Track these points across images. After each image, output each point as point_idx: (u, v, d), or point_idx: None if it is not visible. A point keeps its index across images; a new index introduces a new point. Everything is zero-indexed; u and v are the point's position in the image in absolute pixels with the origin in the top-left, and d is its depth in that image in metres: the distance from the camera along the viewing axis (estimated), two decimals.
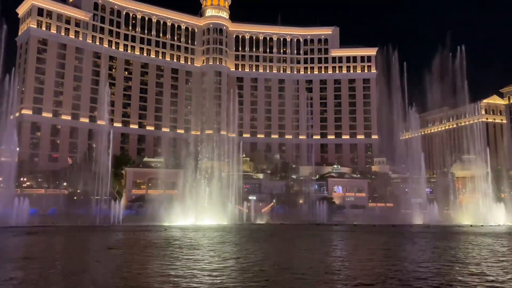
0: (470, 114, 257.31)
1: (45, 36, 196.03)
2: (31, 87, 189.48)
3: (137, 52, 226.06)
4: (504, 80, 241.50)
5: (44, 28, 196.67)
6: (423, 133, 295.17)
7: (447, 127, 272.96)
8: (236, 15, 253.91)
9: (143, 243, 50.78)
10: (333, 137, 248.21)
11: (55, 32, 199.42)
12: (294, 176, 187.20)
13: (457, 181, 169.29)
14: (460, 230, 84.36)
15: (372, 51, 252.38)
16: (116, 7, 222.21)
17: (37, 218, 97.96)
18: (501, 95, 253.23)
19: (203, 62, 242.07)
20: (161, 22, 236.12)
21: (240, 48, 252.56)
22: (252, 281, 25.07)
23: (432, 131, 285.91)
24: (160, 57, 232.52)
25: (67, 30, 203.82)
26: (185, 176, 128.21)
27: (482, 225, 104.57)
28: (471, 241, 55.81)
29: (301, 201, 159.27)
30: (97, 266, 32.33)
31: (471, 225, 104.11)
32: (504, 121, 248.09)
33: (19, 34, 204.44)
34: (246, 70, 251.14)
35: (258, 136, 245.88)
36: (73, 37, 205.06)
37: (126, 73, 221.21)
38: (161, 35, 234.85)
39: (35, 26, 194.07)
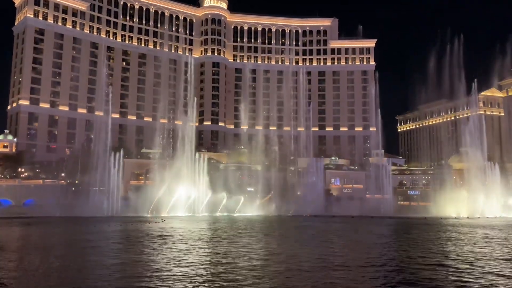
0: (468, 106, 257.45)
1: (42, 26, 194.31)
2: (28, 78, 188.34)
3: (134, 43, 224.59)
4: (503, 73, 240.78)
5: (41, 18, 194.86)
6: (421, 125, 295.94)
7: (445, 120, 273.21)
8: (234, 5, 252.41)
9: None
10: (331, 129, 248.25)
11: (52, 22, 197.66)
12: (292, 168, 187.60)
13: (454, 173, 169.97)
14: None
15: (371, 43, 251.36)
16: None
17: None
18: (500, 88, 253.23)
19: (202, 53, 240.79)
20: (159, 13, 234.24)
21: (238, 39, 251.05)
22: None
23: (430, 123, 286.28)
24: (158, 48, 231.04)
25: (64, 20, 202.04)
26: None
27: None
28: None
29: (298, 193, 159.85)
30: None
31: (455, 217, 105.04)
32: (502, 114, 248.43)
33: (15, 24, 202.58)
34: (244, 61, 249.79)
35: (256, 127, 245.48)
36: (70, 27, 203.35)
37: (124, 63, 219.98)
38: (159, 25, 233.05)
39: (32, 16, 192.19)
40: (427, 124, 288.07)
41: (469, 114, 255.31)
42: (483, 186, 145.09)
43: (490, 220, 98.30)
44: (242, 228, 64.85)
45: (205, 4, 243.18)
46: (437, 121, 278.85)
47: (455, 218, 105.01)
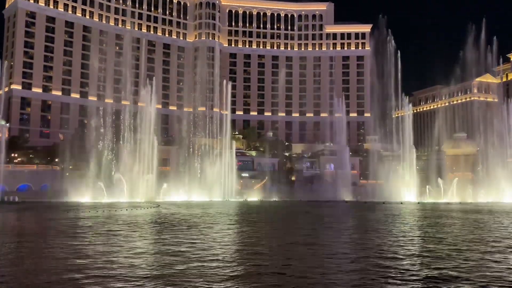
0: (463, 92, 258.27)
1: (33, 9, 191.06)
2: (20, 62, 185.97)
3: (128, 27, 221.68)
4: (498, 59, 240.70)
5: (32, 1, 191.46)
6: (415, 111, 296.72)
7: (439, 105, 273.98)
8: None
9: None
10: (326, 114, 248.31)
11: (43, 5, 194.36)
12: (286, 154, 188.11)
13: (447, 159, 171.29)
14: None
15: (366, 28, 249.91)
16: None
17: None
18: (494, 74, 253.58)
19: (196, 38, 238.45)
20: None
21: (233, 24, 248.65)
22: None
23: (425, 109, 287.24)
24: (152, 32, 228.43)
25: (55, 3, 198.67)
26: (177, 153, 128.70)
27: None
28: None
29: (293, 178, 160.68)
30: None
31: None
32: (496, 100, 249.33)
33: (6, 7, 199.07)
34: (239, 46, 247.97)
35: (251, 113, 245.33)
36: (62, 10, 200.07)
37: (117, 48, 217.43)
38: (152, 9, 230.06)
39: None
40: (421, 110, 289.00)
41: (463, 100, 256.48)
42: (476, 171, 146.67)
43: (482, 205, 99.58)
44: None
45: None
46: (432, 107, 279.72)
47: (447, 203, 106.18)
